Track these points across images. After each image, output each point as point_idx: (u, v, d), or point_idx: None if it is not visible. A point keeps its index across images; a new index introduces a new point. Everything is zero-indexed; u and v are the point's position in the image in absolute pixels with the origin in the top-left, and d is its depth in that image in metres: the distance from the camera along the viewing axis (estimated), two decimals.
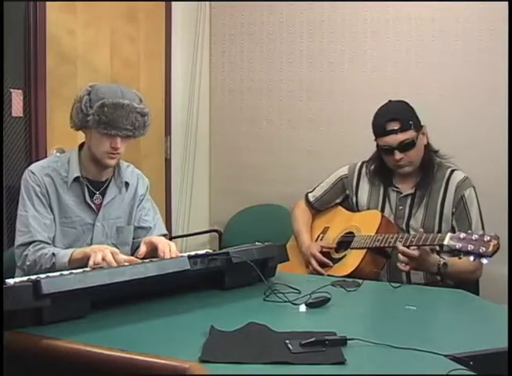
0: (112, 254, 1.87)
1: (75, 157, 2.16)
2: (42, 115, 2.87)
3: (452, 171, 2.42)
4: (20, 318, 1.51)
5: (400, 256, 2.13)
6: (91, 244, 2.10)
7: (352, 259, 2.33)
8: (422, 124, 2.41)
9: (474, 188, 2.38)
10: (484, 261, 1.93)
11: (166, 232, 2.31)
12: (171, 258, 1.91)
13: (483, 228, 2.36)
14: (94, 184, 2.17)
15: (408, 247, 2.13)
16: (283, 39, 3.59)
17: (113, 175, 2.22)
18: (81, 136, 2.19)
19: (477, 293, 2.40)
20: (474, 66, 3.16)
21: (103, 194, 2.18)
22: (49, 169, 2.13)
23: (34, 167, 2.15)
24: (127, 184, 2.24)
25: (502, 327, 1.54)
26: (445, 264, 2.16)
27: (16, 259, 2.06)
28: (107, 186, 2.19)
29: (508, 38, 2.93)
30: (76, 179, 2.13)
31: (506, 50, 2.98)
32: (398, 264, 2.15)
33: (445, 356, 1.35)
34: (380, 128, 2.37)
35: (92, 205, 2.15)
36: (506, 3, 2.95)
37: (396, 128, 2.32)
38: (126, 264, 1.83)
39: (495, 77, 3.09)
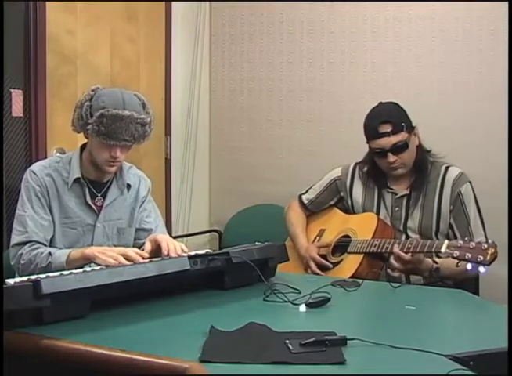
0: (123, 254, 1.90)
1: (76, 158, 2.16)
2: (42, 115, 2.87)
3: (447, 167, 2.41)
4: (20, 318, 1.50)
5: (392, 261, 2.14)
6: (91, 245, 2.10)
7: (349, 264, 2.33)
8: (413, 124, 2.39)
9: (470, 183, 2.38)
10: (482, 269, 1.91)
11: (167, 234, 2.31)
12: (171, 257, 1.90)
13: (482, 222, 2.36)
14: (95, 185, 2.17)
15: (405, 253, 2.14)
16: (282, 39, 3.59)
17: (115, 176, 2.21)
18: (81, 137, 2.19)
19: (477, 293, 2.40)
20: (474, 66, 3.16)
21: (105, 196, 2.18)
22: (51, 169, 2.13)
23: (35, 167, 2.15)
24: (128, 186, 2.23)
25: (502, 327, 1.53)
26: (437, 269, 2.17)
27: (11, 258, 2.06)
28: (109, 188, 2.19)
29: (508, 38, 2.93)
30: (77, 180, 2.13)
31: (506, 50, 2.99)
32: (389, 270, 2.16)
33: (445, 356, 1.35)
34: (372, 130, 2.35)
35: (93, 206, 2.15)
36: (506, 3, 2.95)
37: (388, 130, 2.31)
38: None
39: (495, 77, 3.09)
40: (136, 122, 2.04)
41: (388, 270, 2.17)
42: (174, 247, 1.97)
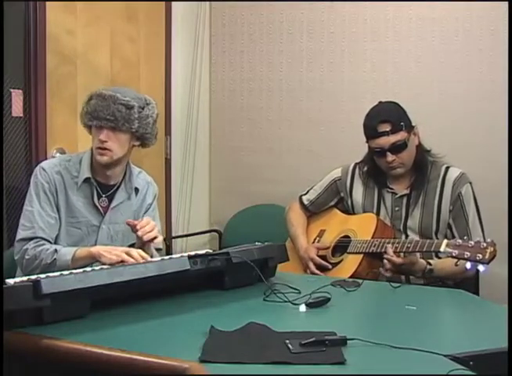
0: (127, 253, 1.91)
1: (87, 158, 2.16)
2: (42, 115, 2.86)
3: (447, 168, 2.41)
4: (20, 318, 1.50)
5: (385, 262, 2.15)
6: (95, 245, 2.09)
7: (349, 264, 2.33)
8: (413, 124, 2.39)
9: (470, 184, 2.38)
10: (481, 268, 1.92)
11: (161, 246, 2.26)
12: (171, 258, 1.90)
13: (481, 223, 2.36)
14: (103, 187, 2.17)
15: (404, 253, 2.14)
16: (282, 39, 3.59)
17: (123, 180, 2.21)
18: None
19: (477, 293, 2.41)
20: (474, 66, 3.16)
21: (111, 198, 2.18)
22: (61, 167, 2.14)
23: (45, 164, 2.16)
24: (136, 190, 2.24)
25: (502, 327, 1.53)
26: (430, 270, 2.18)
27: (15, 253, 2.07)
28: (116, 190, 2.19)
29: (508, 38, 2.93)
30: (86, 180, 2.13)
31: (506, 50, 2.99)
32: (381, 269, 2.16)
33: (445, 356, 1.35)
34: (371, 130, 2.36)
35: (100, 207, 2.15)
36: (506, 3, 2.95)
37: (387, 129, 2.31)
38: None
39: (495, 77, 3.09)
40: (119, 103, 2.05)
41: (380, 269, 2.17)
42: (146, 227, 2.02)
